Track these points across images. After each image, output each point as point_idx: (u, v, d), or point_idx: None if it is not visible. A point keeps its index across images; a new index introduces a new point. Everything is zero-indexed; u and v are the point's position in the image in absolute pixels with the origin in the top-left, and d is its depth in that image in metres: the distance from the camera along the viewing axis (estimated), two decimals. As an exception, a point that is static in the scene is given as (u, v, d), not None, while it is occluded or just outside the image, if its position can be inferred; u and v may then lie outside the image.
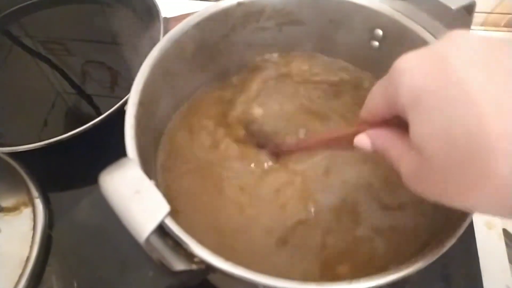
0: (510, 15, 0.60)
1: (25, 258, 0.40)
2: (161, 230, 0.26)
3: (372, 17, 0.39)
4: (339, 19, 0.40)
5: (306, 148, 0.36)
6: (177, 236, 0.26)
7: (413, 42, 0.37)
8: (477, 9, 0.33)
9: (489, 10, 0.60)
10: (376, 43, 0.40)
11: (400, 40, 0.38)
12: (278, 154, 0.38)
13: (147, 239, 0.23)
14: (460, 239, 0.27)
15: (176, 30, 0.35)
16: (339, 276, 0.33)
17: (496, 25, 0.61)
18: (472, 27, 0.34)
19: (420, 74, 0.20)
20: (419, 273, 0.31)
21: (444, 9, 0.33)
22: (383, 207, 0.36)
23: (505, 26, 0.61)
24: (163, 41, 0.34)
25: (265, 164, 0.38)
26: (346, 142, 0.27)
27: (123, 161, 0.26)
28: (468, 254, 0.42)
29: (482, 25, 0.62)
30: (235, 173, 0.37)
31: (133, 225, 0.23)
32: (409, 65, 0.20)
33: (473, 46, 0.19)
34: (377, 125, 0.25)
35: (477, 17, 0.60)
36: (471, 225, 0.44)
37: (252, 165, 0.38)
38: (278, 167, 0.38)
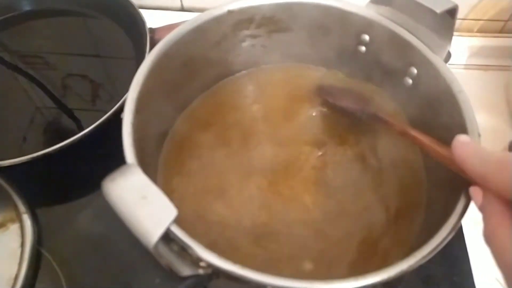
0: (483, 21, 0.63)
1: (13, 276, 0.39)
2: (166, 236, 0.25)
3: (359, 23, 0.40)
4: (327, 26, 0.41)
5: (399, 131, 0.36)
6: (182, 241, 0.26)
7: (399, 46, 0.39)
8: (450, 15, 0.35)
9: (462, 16, 0.63)
10: (363, 48, 0.42)
11: (386, 44, 0.40)
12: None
13: (156, 245, 0.22)
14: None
15: (171, 36, 0.35)
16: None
17: (469, 30, 0.64)
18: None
19: None
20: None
21: (429, 13, 0.34)
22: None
23: (478, 31, 0.64)
24: (159, 47, 0.34)
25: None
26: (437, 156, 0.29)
27: (126, 167, 0.26)
28: (458, 251, 0.44)
29: (456, 31, 0.64)
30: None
31: (141, 231, 0.23)
32: None
33: None
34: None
35: (453, 23, 0.63)
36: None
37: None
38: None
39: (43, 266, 0.41)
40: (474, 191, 0.26)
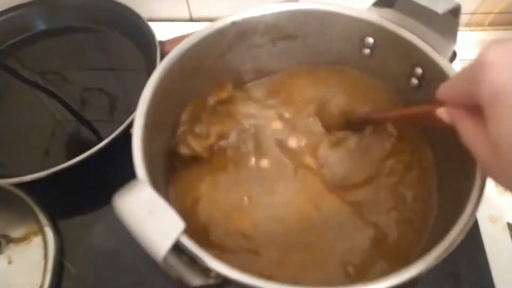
0: (493, 14, 0.61)
1: (38, 287, 0.41)
2: (176, 247, 0.26)
3: (362, 26, 0.40)
4: (330, 31, 0.42)
5: (382, 120, 0.38)
6: (191, 252, 0.26)
7: (403, 46, 0.38)
8: (459, 11, 0.34)
9: (471, 11, 0.62)
10: (368, 51, 0.42)
11: (391, 46, 0.39)
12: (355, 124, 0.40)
13: (165, 258, 0.23)
14: (466, 235, 0.28)
15: (175, 52, 0.36)
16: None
17: (480, 24, 0.63)
18: (457, 28, 0.35)
19: (504, 70, 0.19)
20: (429, 271, 0.31)
21: (431, 14, 0.34)
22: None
23: (489, 25, 0.63)
24: (164, 63, 0.35)
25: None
26: (423, 119, 0.30)
27: (134, 182, 0.26)
28: (475, 250, 0.43)
29: (466, 25, 0.64)
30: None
31: (149, 245, 0.23)
32: (494, 59, 0.20)
33: None
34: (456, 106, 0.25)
35: (461, 19, 0.62)
36: (475, 221, 0.44)
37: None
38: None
39: (66, 277, 0.43)
40: (442, 112, 0.26)
